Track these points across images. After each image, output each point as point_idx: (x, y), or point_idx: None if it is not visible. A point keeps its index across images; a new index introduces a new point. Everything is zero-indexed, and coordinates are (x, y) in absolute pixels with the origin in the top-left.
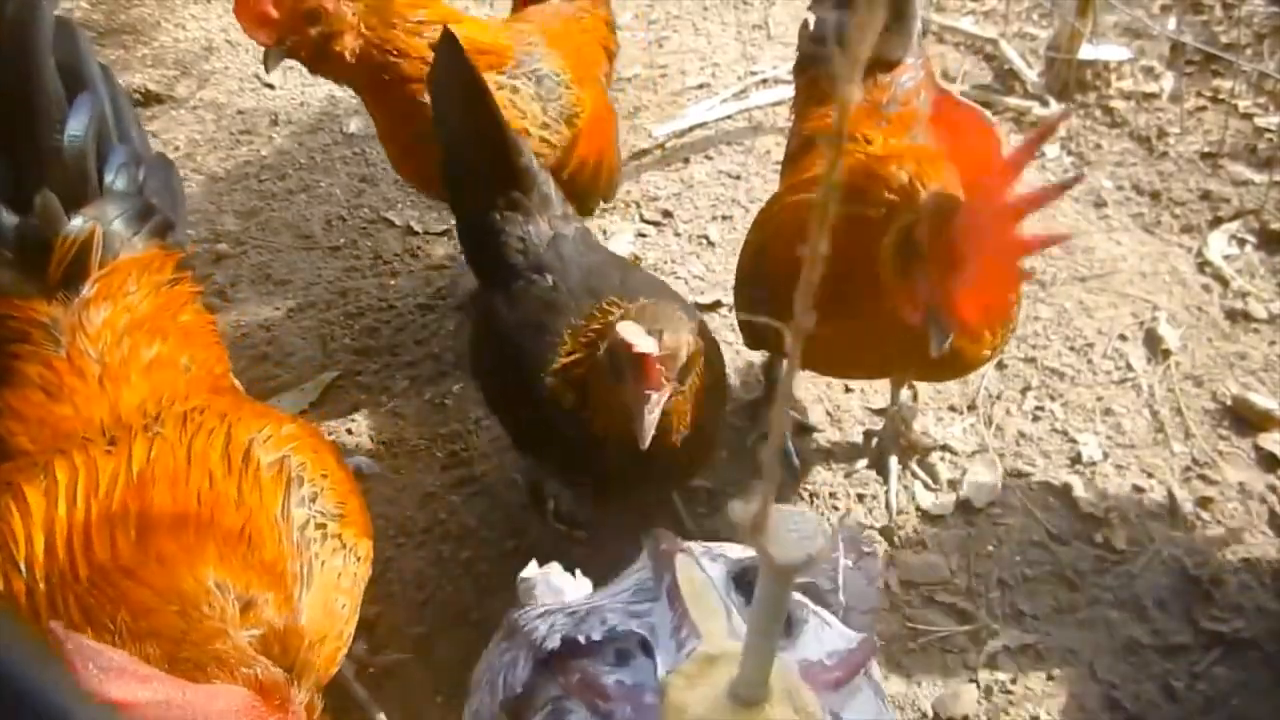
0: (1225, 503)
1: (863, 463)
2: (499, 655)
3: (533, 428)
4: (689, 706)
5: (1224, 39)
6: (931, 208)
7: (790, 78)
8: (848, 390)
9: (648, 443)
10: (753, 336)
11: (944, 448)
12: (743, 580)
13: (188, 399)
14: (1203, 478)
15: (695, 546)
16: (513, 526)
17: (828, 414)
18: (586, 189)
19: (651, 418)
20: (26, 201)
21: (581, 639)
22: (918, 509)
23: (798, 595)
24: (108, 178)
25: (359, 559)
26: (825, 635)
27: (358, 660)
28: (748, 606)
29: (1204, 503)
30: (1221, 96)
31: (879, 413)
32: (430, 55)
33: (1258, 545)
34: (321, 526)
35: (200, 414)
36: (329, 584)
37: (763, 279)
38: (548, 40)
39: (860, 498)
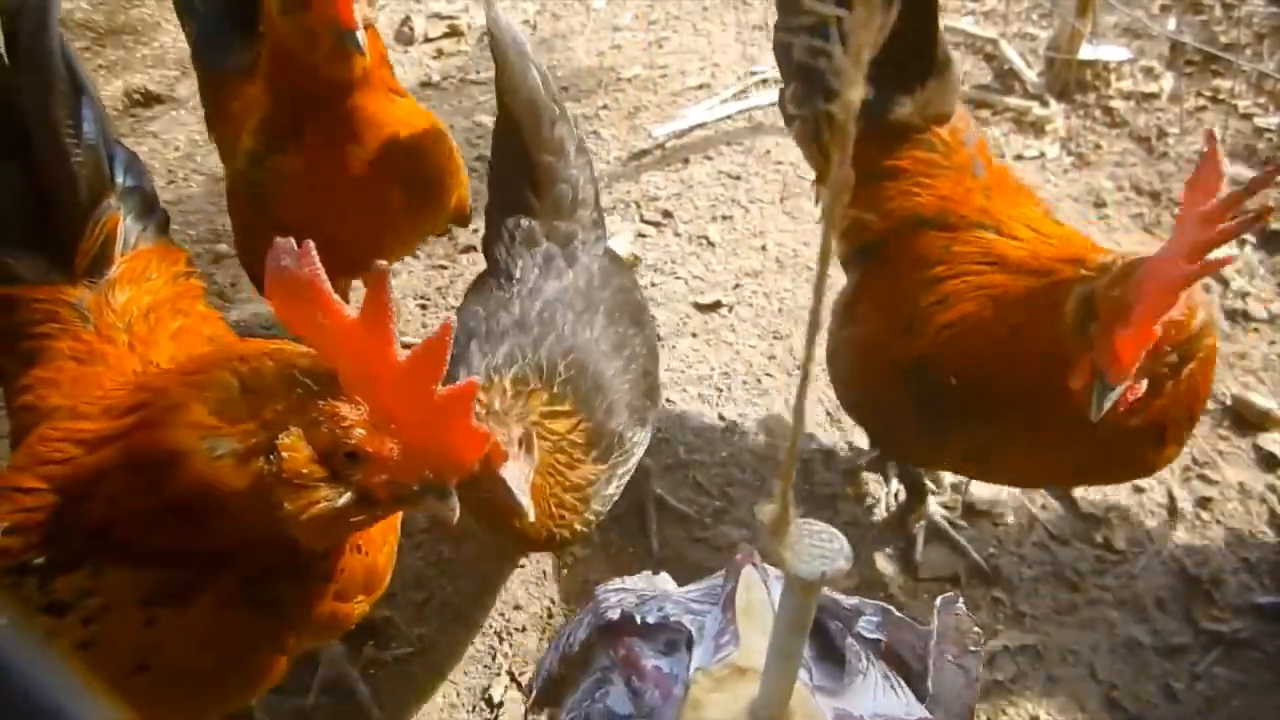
0: (1225, 503)
1: (864, 461)
2: (575, 619)
3: None
4: (706, 709)
5: (1224, 39)
6: (1120, 270)
7: None
8: None
9: (531, 517)
10: (889, 445)
11: None
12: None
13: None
14: (1203, 478)
15: (775, 571)
16: None
17: (828, 414)
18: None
19: (519, 492)
20: (52, 200)
21: (638, 618)
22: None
23: (859, 646)
24: (117, 175)
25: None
26: (884, 698)
27: (362, 658)
28: (810, 655)
29: (1204, 503)
30: (1221, 96)
31: None
32: None
33: (1258, 545)
34: None
35: None
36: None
37: (928, 391)
38: None
39: (860, 499)
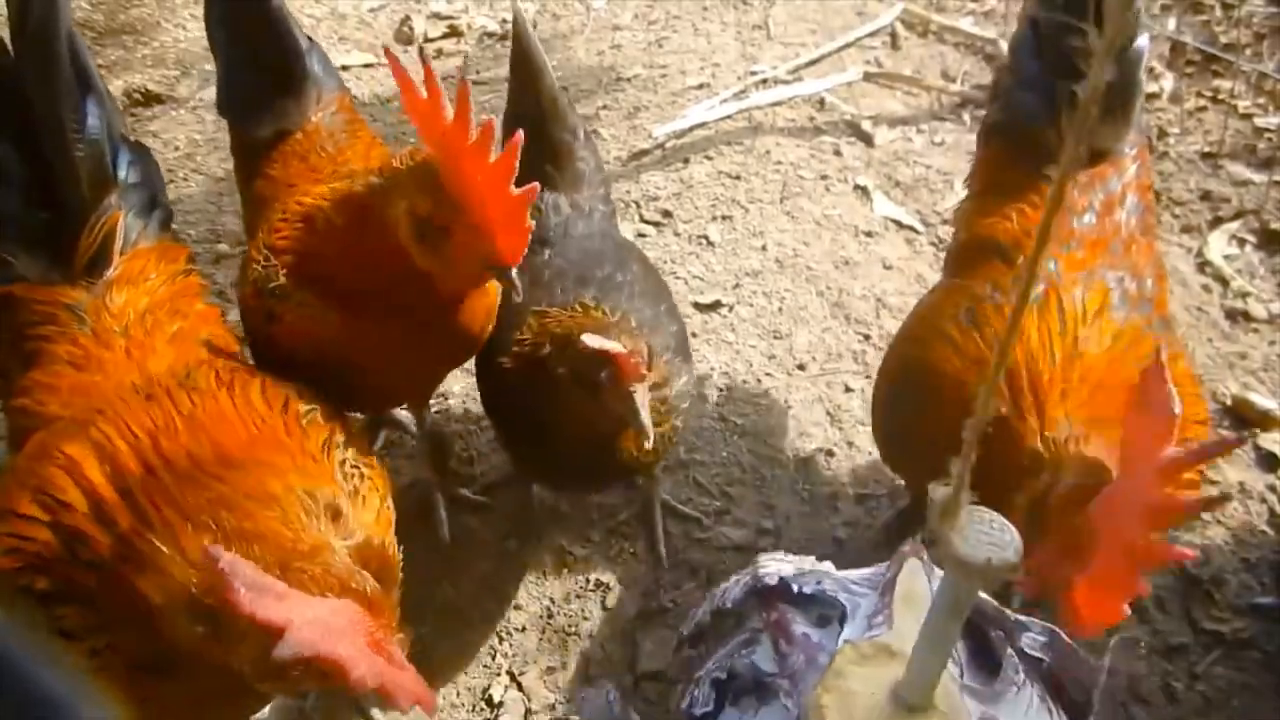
0: (1225, 503)
1: (865, 461)
2: (732, 578)
3: (490, 397)
4: (850, 679)
5: (1224, 39)
6: (1076, 476)
7: (790, 78)
8: (847, 390)
9: (651, 439)
10: (893, 461)
11: None
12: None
13: (215, 362)
14: (1203, 478)
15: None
16: (512, 527)
17: (827, 414)
18: None
19: (645, 411)
20: (53, 196)
21: (795, 587)
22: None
23: (1019, 660)
24: (120, 172)
25: (390, 508)
26: (1035, 716)
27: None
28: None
29: (1204, 503)
30: (1221, 97)
31: None
32: None
33: (1258, 545)
34: (356, 468)
35: (230, 371)
36: (374, 521)
37: (926, 428)
38: None
39: (861, 498)
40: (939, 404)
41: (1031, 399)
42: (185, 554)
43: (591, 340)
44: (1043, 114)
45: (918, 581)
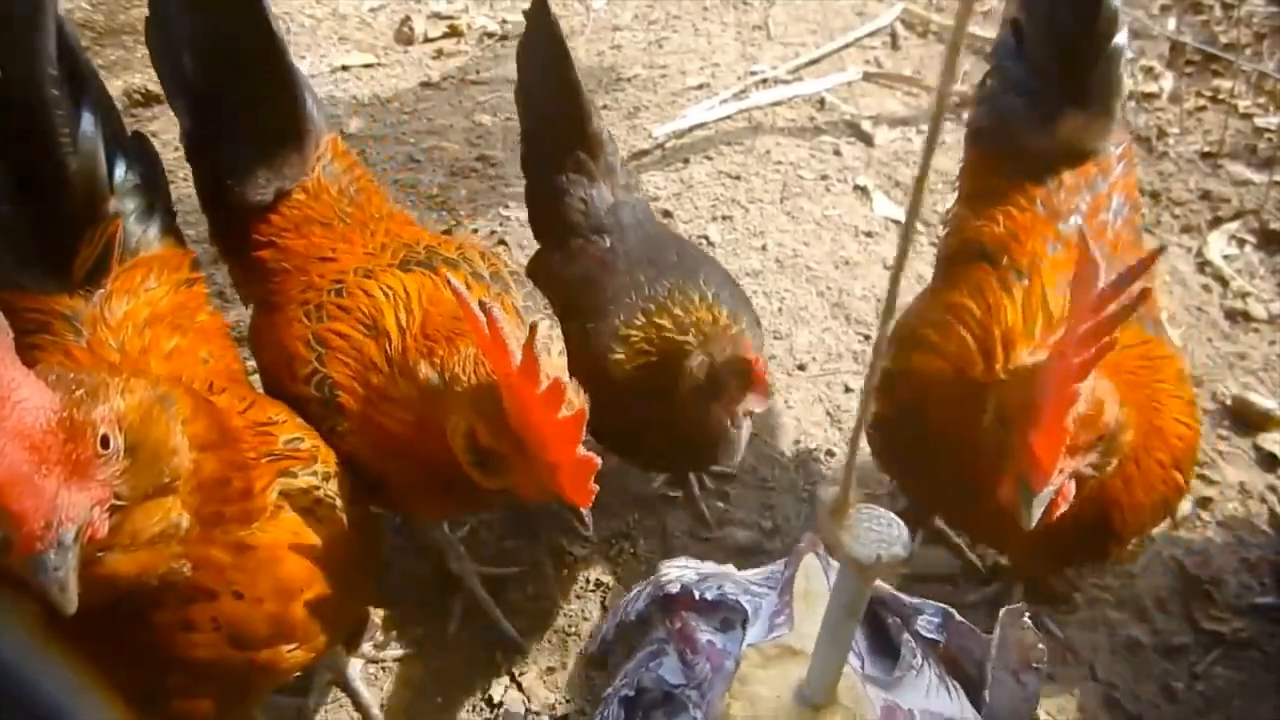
0: (1225, 503)
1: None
2: (635, 589)
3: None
4: (755, 684)
5: (1224, 39)
6: (1021, 373)
7: (790, 78)
8: (847, 390)
9: (738, 458)
10: (885, 465)
11: None
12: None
13: (207, 382)
14: (1203, 478)
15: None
16: (512, 527)
17: (827, 414)
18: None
19: (745, 431)
20: (47, 203)
21: (696, 594)
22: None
23: (915, 643)
24: (117, 175)
25: (365, 536)
26: (936, 697)
27: (362, 658)
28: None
29: (1204, 503)
30: (1221, 96)
31: None
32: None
33: (1258, 545)
34: (331, 500)
35: (221, 391)
36: (321, 545)
37: (918, 436)
38: None
39: (861, 498)
40: (922, 405)
41: (1004, 357)
42: None
43: (739, 347)
44: (1026, 117)
45: (815, 580)
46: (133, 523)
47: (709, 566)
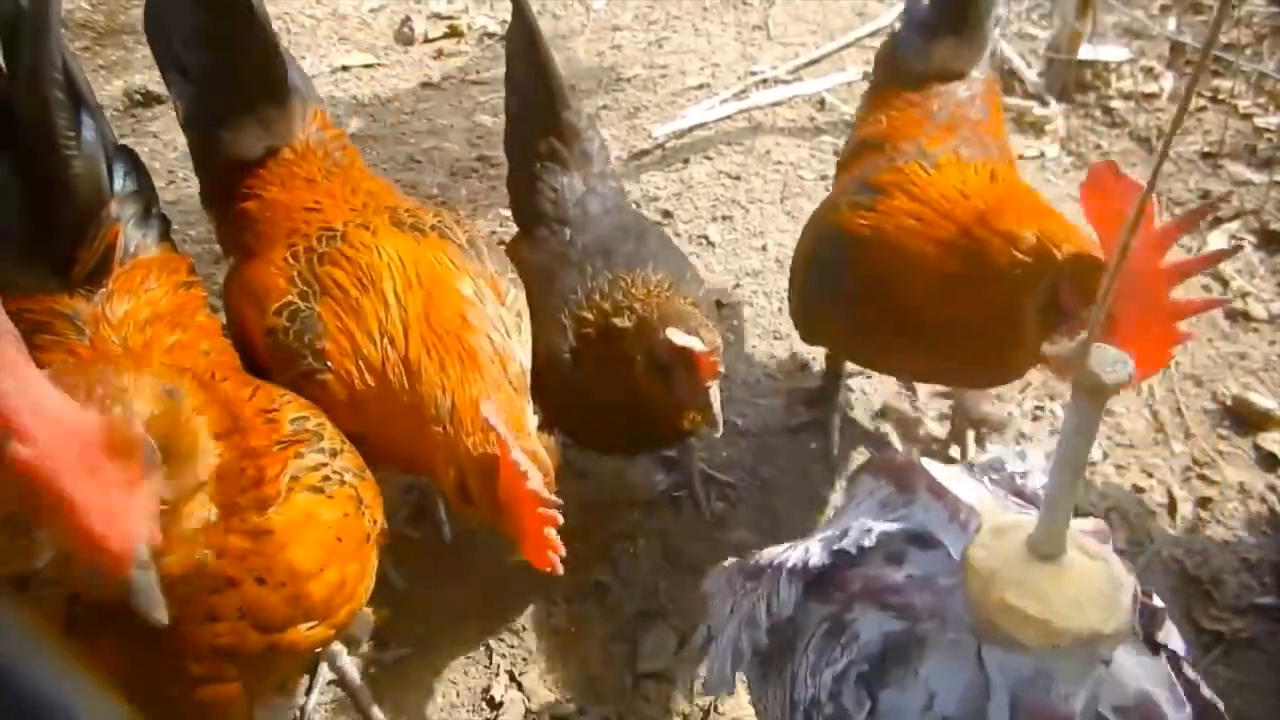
0: (1225, 503)
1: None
2: (746, 597)
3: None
4: (994, 567)
5: (1224, 39)
6: (1075, 269)
7: (790, 78)
8: (848, 390)
9: (720, 429)
10: (810, 331)
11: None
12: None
13: (209, 373)
14: (1203, 478)
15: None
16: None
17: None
18: None
19: (717, 404)
20: (49, 207)
21: (853, 550)
22: None
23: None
24: (116, 182)
25: (374, 521)
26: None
27: (362, 658)
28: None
29: (1204, 503)
30: (1221, 97)
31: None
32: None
33: (1258, 545)
34: (339, 475)
35: (224, 381)
36: (333, 523)
37: (844, 289)
38: None
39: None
40: (856, 264)
41: (985, 230)
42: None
43: (675, 336)
44: (916, 46)
45: (940, 470)
46: (177, 525)
47: (790, 544)
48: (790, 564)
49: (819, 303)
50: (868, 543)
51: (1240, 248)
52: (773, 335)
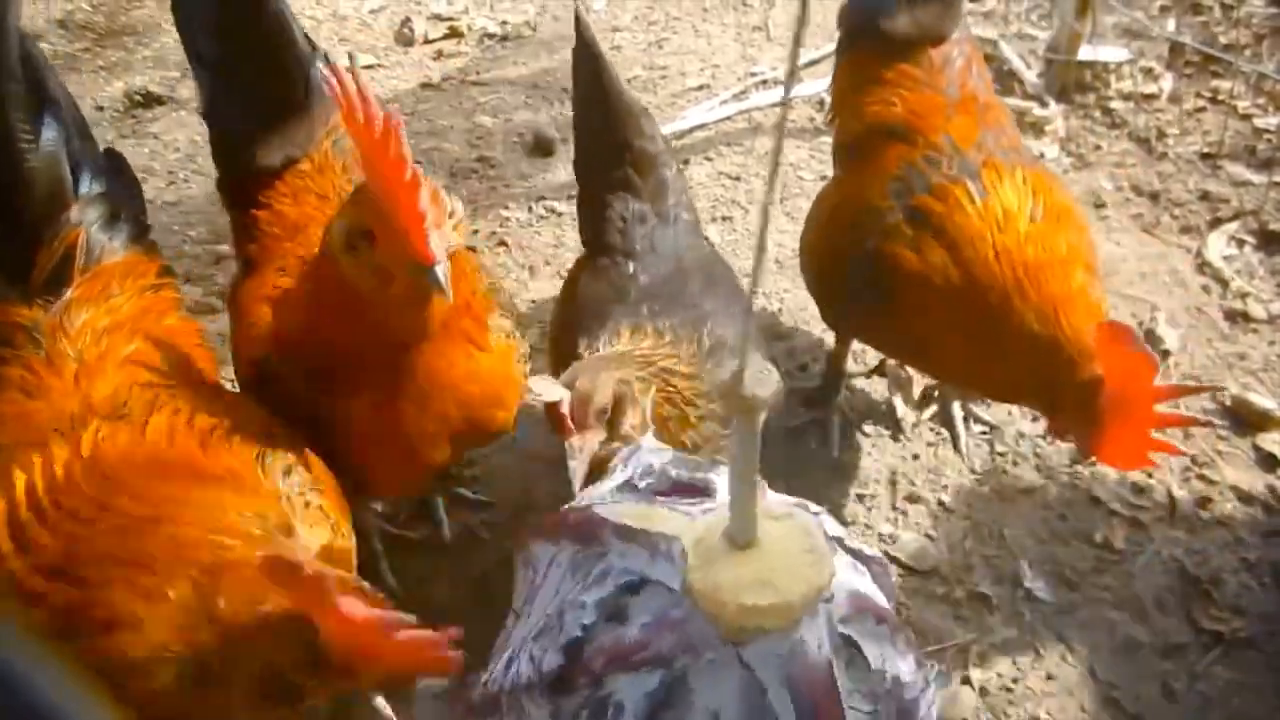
0: (1225, 503)
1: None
2: (501, 655)
3: None
4: (716, 582)
5: (1223, 40)
6: (1079, 396)
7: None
8: (848, 390)
9: (578, 490)
10: (834, 322)
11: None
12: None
13: (156, 385)
14: (1202, 478)
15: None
16: (512, 528)
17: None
18: None
19: (576, 466)
20: (3, 208)
21: (581, 634)
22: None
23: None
24: (82, 185)
25: (343, 535)
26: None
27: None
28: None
29: (1204, 503)
30: (1221, 97)
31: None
32: None
33: (1258, 545)
34: (301, 495)
35: (171, 396)
36: (320, 546)
37: (879, 309)
38: None
39: (860, 498)
40: (895, 293)
41: (1060, 320)
42: (172, 602)
43: (538, 385)
44: (892, 10)
45: (627, 508)
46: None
47: (493, 658)
48: (524, 681)
49: (849, 304)
50: (588, 619)
51: (1210, 422)
52: (773, 336)
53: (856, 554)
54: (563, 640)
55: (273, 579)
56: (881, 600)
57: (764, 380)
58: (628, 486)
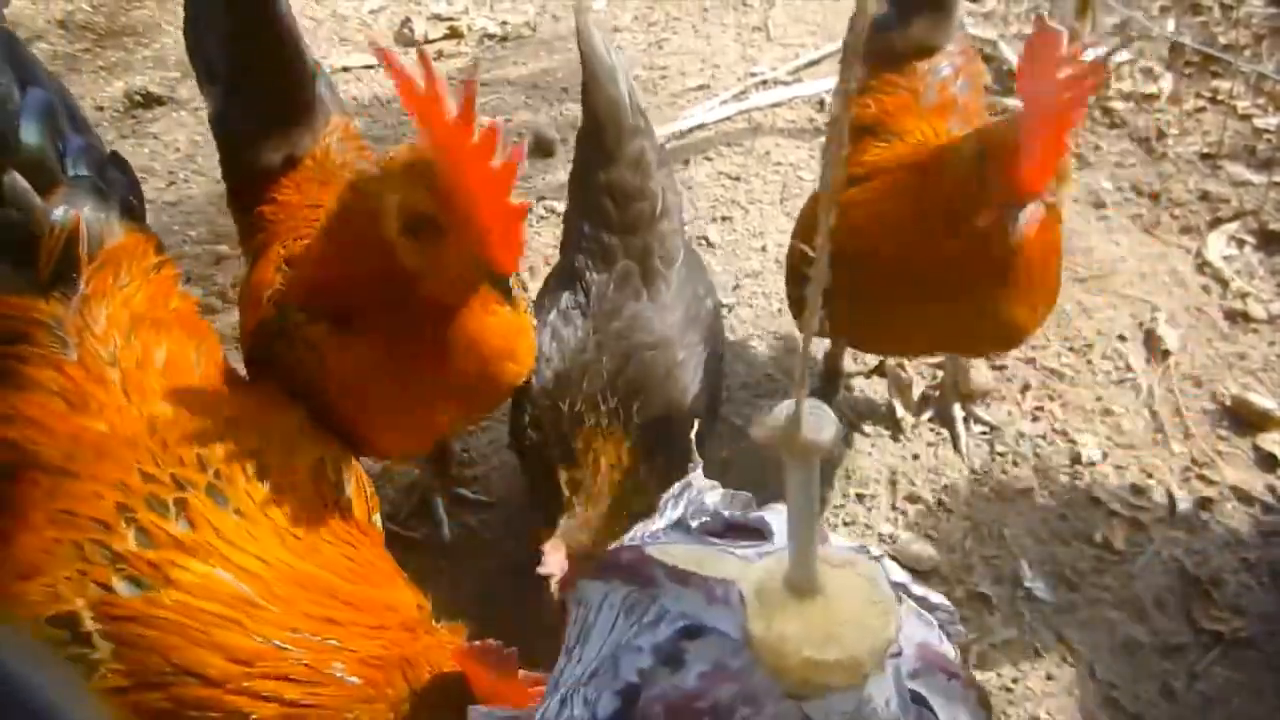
0: (1225, 503)
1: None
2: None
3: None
4: (780, 633)
5: (1223, 40)
6: (996, 136)
7: (789, 79)
8: (848, 390)
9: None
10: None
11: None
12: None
13: (240, 444)
14: (1202, 478)
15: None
16: (513, 528)
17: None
18: None
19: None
20: None
21: (637, 680)
22: (908, 515)
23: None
24: (69, 167)
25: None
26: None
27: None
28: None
29: (1204, 503)
30: (1220, 97)
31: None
32: None
33: (1258, 545)
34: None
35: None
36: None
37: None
38: None
39: (860, 497)
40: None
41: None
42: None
43: (547, 562)
44: (893, 22)
45: (673, 550)
46: None
47: (538, 708)
48: (611, 685)
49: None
50: (644, 664)
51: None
52: (773, 335)
53: (923, 601)
54: (618, 685)
55: None
56: (950, 652)
57: (823, 422)
58: (679, 526)
